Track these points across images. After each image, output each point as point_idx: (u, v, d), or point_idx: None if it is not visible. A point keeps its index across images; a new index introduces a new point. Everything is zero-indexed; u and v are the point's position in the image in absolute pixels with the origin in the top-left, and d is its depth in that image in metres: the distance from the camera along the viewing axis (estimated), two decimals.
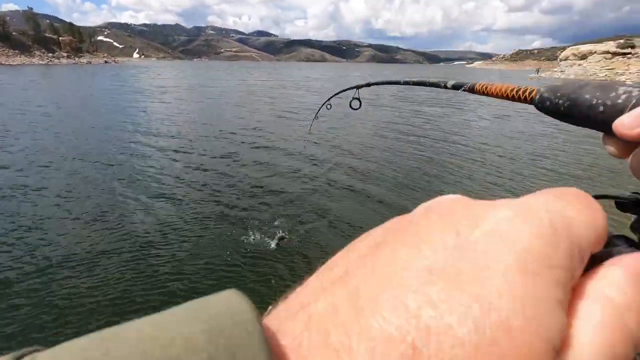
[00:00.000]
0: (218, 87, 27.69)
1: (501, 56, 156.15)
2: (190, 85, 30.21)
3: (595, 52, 56.18)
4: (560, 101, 0.28)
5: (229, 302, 0.14)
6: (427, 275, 0.14)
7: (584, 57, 57.32)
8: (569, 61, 59.12)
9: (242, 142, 9.26)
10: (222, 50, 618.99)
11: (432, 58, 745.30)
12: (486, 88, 0.44)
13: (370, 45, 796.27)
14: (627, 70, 48.59)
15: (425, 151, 8.72)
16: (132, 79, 36.60)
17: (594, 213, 0.16)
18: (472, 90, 0.47)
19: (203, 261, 3.92)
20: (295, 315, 0.15)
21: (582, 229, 0.15)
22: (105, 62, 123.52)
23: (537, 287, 0.13)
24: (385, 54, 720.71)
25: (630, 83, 0.24)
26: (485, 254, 0.14)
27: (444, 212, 0.17)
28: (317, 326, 0.14)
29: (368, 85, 1.08)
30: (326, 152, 8.31)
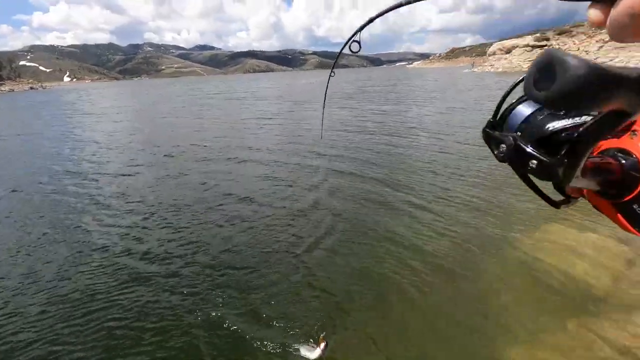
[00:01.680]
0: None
1: (437, 55, 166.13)
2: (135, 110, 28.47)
3: (517, 46, 61.61)
4: None
5: None
6: None
7: (508, 51, 62.57)
8: (496, 55, 64.21)
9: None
10: (163, 67, 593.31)
11: (375, 61, 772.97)
12: None
13: (315, 53, 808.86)
14: None
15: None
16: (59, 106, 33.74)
17: None
18: None
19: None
20: None
21: None
22: (31, 88, 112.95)
23: None
24: (331, 60, 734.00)
25: None
26: None
27: None
28: None
29: (371, 21, 1.09)
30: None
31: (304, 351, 2.58)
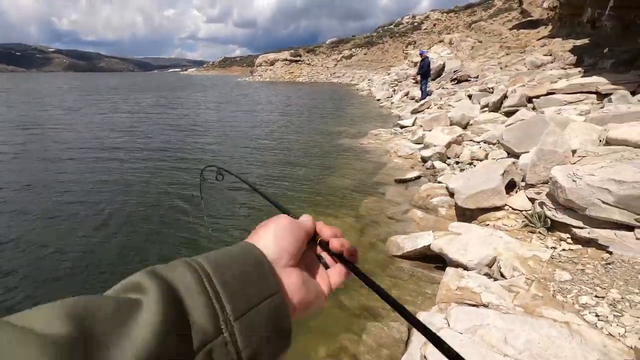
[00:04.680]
0: None
1: (211, 63, 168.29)
2: None
3: (279, 59, 70.58)
4: None
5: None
6: (267, 231, 0.39)
7: (272, 63, 70.77)
8: (263, 67, 71.31)
9: None
10: None
11: (144, 65, 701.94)
12: None
13: (59, 51, 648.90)
14: (301, 73, 64.19)
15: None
16: None
17: (308, 220, 0.43)
18: None
19: None
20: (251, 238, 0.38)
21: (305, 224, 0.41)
22: None
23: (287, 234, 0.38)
24: (85, 61, 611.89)
25: None
26: (267, 227, 0.39)
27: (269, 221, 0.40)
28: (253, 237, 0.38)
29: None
30: None
31: None
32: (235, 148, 8.85)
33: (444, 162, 6.27)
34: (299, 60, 69.96)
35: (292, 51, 75.12)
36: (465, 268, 2.82)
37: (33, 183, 6.10)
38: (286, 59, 69.81)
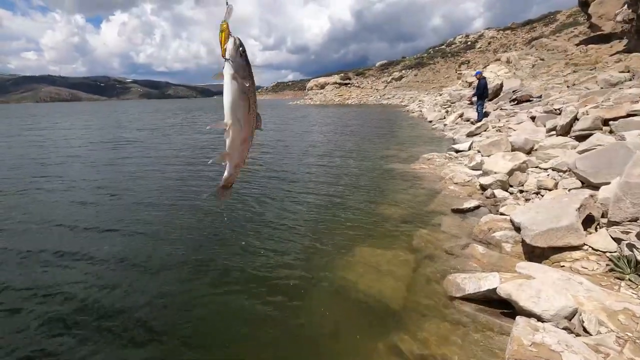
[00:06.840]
0: None
1: (265, 88, 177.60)
2: None
3: (328, 83, 72.49)
4: None
5: None
6: None
7: (322, 87, 72.79)
8: (314, 90, 73.58)
9: None
10: None
11: (205, 92, 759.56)
12: None
13: (135, 81, 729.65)
14: (350, 95, 65.12)
15: None
16: None
17: None
18: None
19: None
20: None
21: None
22: None
23: None
24: (156, 90, 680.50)
25: None
26: None
27: None
28: None
29: None
30: None
31: None
32: (290, 172, 8.97)
33: (506, 191, 5.81)
34: (349, 84, 71.19)
35: (342, 74, 76.78)
36: (539, 319, 2.50)
37: (127, 188, 6.96)
38: (336, 82, 71.45)
